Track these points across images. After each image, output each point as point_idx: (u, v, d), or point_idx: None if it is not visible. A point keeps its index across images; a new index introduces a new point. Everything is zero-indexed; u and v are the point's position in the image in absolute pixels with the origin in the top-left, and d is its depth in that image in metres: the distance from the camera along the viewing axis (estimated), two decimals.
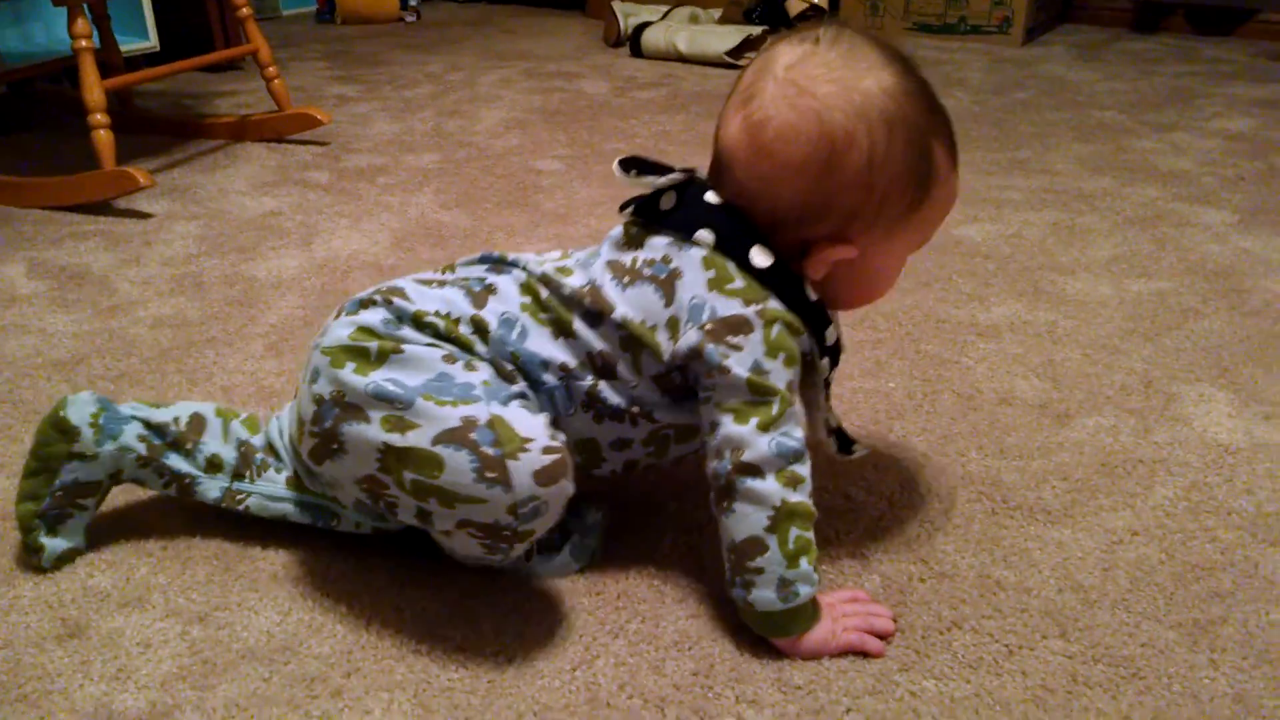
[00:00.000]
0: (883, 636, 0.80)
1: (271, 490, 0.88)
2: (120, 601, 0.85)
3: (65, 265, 1.53)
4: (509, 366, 0.80)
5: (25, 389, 1.18)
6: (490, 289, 0.83)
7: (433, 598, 0.85)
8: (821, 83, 0.76)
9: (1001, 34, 3.05)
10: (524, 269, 0.84)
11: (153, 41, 2.36)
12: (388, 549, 0.90)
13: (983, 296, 1.40)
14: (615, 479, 0.90)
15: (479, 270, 0.86)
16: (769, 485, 0.76)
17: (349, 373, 0.77)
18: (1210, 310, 1.35)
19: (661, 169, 0.83)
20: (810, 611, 0.79)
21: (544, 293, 0.82)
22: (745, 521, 0.77)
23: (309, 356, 0.82)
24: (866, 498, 0.98)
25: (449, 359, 0.78)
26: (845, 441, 0.90)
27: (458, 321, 0.80)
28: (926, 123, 0.78)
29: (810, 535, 0.78)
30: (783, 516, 0.76)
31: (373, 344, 0.78)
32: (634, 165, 0.83)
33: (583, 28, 3.38)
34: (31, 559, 0.88)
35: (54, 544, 0.88)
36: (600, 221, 1.65)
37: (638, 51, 2.95)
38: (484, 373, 0.78)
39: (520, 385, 0.80)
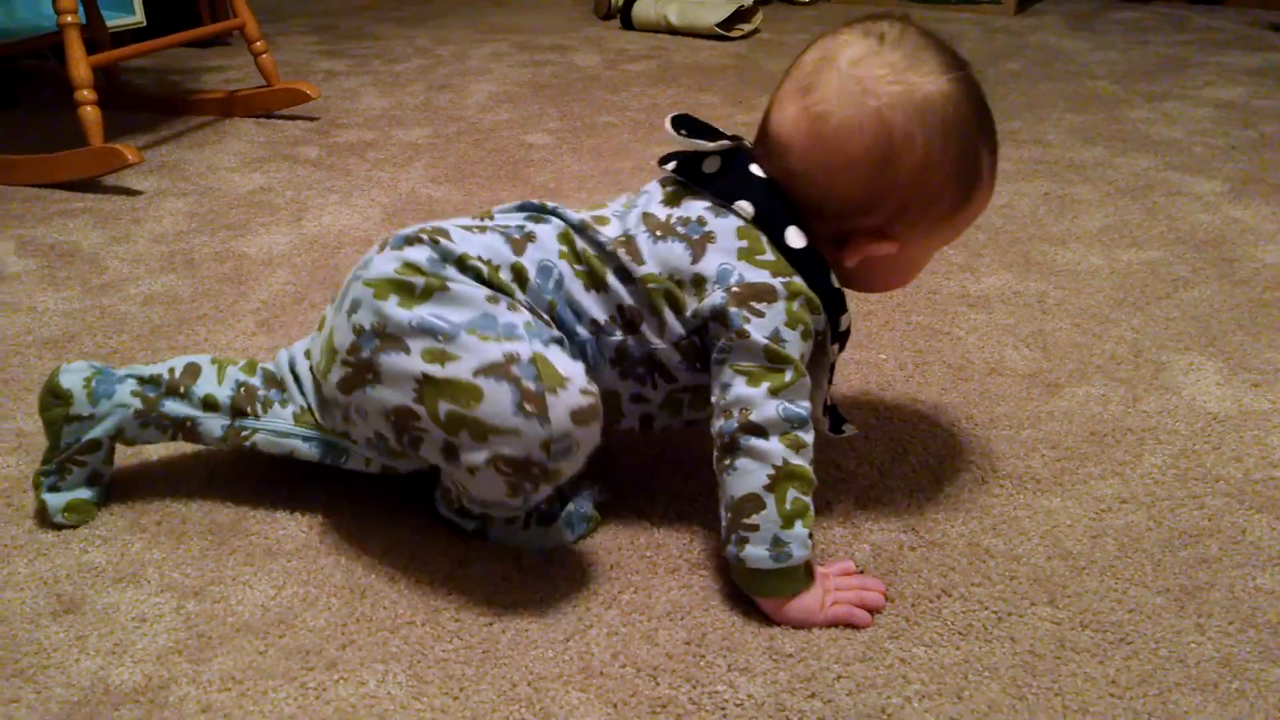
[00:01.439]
0: (873, 611, 0.80)
1: (278, 425, 0.89)
2: (115, 577, 0.85)
3: (54, 243, 1.52)
4: (545, 316, 0.81)
5: (16, 367, 1.18)
6: (530, 236, 0.84)
7: (426, 570, 0.85)
8: (885, 82, 0.78)
9: (994, 3, 3.04)
10: (562, 218, 0.86)
11: (139, 17, 2.34)
12: (380, 521, 0.90)
13: (973, 267, 1.40)
14: (632, 434, 0.91)
15: (518, 218, 0.87)
16: (772, 444, 0.78)
17: (393, 305, 0.77)
18: (1200, 279, 1.36)
19: (711, 132, 0.84)
20: (801, 576, 0.79)
21: (580, 243, 0.84)
22: (746, 478, 0.78)
23: (346, 286, 0.82)
24: (857, 467, 0.98)
25: (493, 300, 0.78)
26: (837, 420, 0.91)
27: (499, 268, 0.81)
28: (977, 130, 0.81)
29: (808, 500, 0.79)
30: (783, 476, 0.78)
31: (419, 280, 0.78)
32: (684, 125, 0.84)
33: (573, 0, 3.36)
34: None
35: (54, 499, 0.90)
36: (591, 195, 1.65)
37: (628, 24, 2.94)
38: (526, 314, 0.79)
39: (559, 333, 0.81)
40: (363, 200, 1.67)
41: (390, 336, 0.77)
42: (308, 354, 0.90)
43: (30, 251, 1.49)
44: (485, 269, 0.80)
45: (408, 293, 0.78)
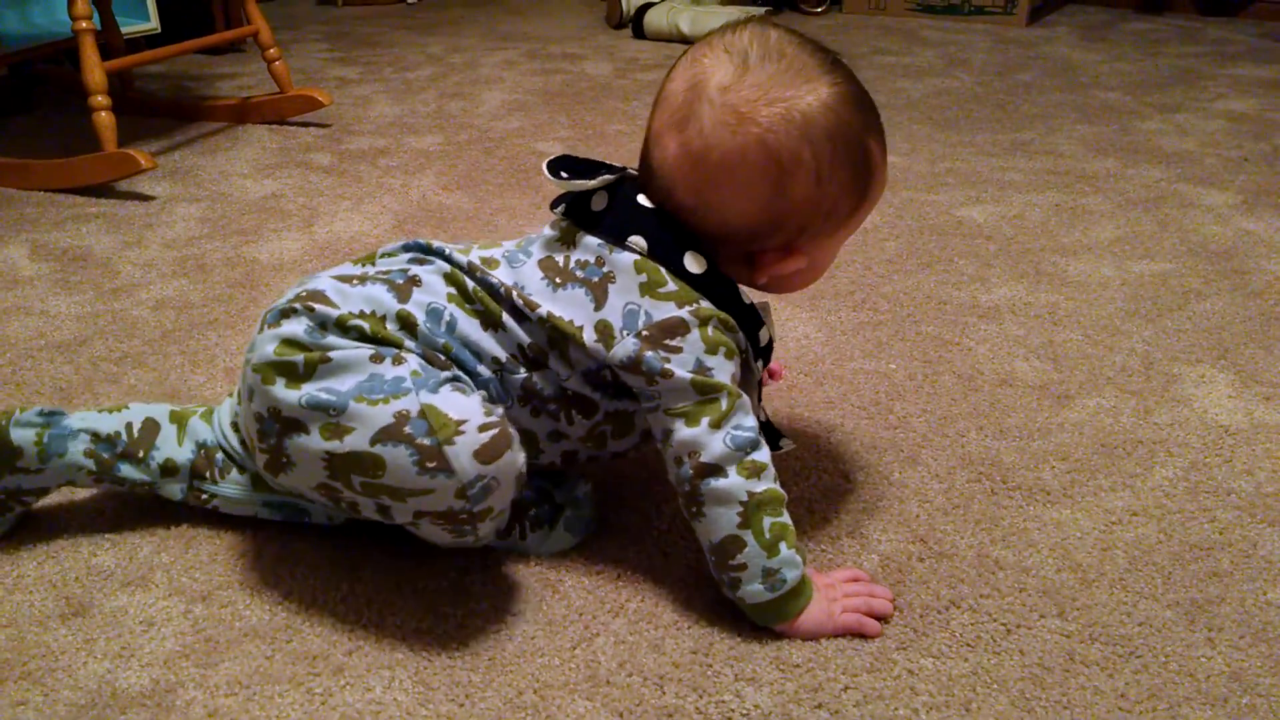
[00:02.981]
0: (882, 618, 0.80)
1: (236, 493, 0.88)
2: (123, 580, 0.85)
3: (67, 247, 1.53)
4: (442, 358, 0.79)
5: (27, 370, 1.18)
6: (414, 280, 0.81)
7: (433, 576, 0.85)
8: (760, 106, 0.75)
9: (1006, 15, 3.04)
10: (448, 259, 0.83)
11: (154, 23, 2.35)
12: (385, 530, 0.90)
13: (984, 278, 1.40)
14: (555, 469, 0.90)
15: (401, 261, 0.84)
16: (732, 481, 0.76)
17: (280, 389, 0.75)
18: (1212, 291, 1.35)
19: (594, 168, 0.82)
20: (802, 592, 0.79)
21: (469, 284, 0.81)
22: (718, 523, 0.77)
23: (242, 372, 0.80)
24: (865, 478, 0.98)
25: (376, 358, 0.76)
26: (773, 436, 0.88)
27: (384, 319, 0.79)
28: (861, 125, 0.79)
29: (784, 519, 0.78)
30: (752, 509, 0.77)
31: (299, 357, 0.76)
32: (563, 166, 0.82)
33: (585, 9, 3.37)
34: None
35: None
36: None
37: (640, 33, 2.94)
38: (413, 363, 0.76)
39: (454, 372, 0.78)
40: (374, 207, 1.68)
41: (287, 420, 0.75)
42: (235, 426, 0.89)
43: (44, 256, 1.50)
44: (368, 324, 0.78)
45: (291, 373, 0.76)
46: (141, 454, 0.88)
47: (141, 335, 1.26)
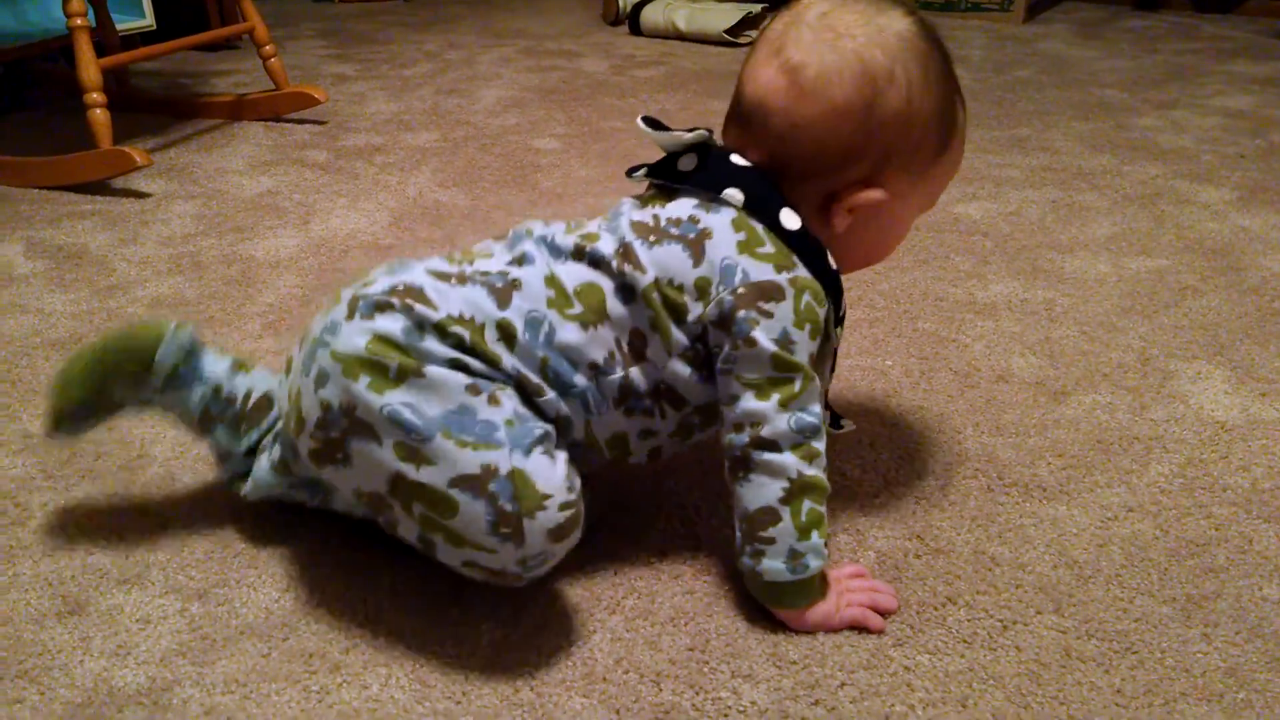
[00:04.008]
0: (886, 613, 0.80)
1: (262, 472, 0.87)
2: (120, 578, 0.85)
3: (63, 245, 1.52)
4: (535, 379, 0.76)
5: (23, 368, 1.18)
6: (514, 284, 0.78)
7: (431, 574, 0.85)
8: (857, 26, 0.78)
9: (1003, 11, 3.04)
10: (551, 246, 0.81)
11: (149, 20, 2.35)
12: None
13: (981, 274, 1.40)
14: (639, 467, 0.90)
15: (501, 261, 0.81)
16: (786, 458, 0.76)
17: (364, 388, 0.72)
18: (1208, 288, 1.35)
19: (681, 131, 0.82)
20: (817, 585, 0.79)
21: (570, 278, 0.78)
22: (760, 492, 0.77)
23: (312, 351, 0.77)
24: (863, 475, 0.98)
25: (473, 389, 0.73)
26: (834, 417, 0.90)
27: (483, 328, 0.76)
28: (948, 72, 0.82)
29: (823, 510, 0.78)
30: (798, 489, 0.77)
31: (393, 361, 0.73)
32: (652, 125, 0.83)
33: (582, 5, 3.36)
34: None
35: (63, 433, 0.88)
36: (598, 200, 1.65)
37: (637, 29, 2.94)
38: (508, 407, 0.74)
39: (545, 426, 0.75)
40: (370, 204, 1.67)
41: (360, 421, 0.73)
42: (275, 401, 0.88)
43: (39, 253, 1.49)
44: (468, 333, 0.75)
45: (380, 374, 0.73)
46: (245, 428, 0.88)
47: None
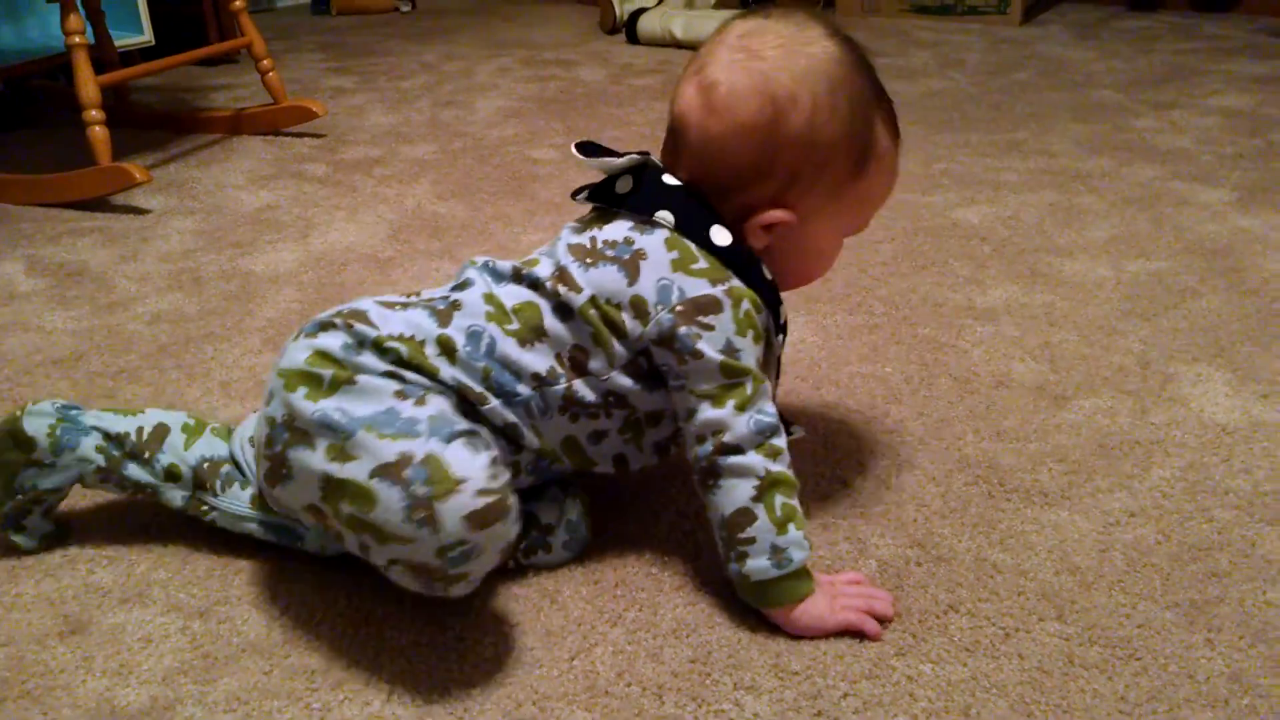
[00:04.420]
0: (882, 620, 0.80)
1: (235, 508, 0.87)
2: (121, 597, 0.85)
3: (63, 262, 1.53)
4: (478, 388, 0.79)
5: (25, 387, 1.18)
6: (455, 305, 0.82)
7: None
8: (770, 48, 0.80)
9: (999, 14, 3.04)
10: (491, 271, 0.84)
11: (147, 36, 2.36)
12: None
13: (979, 279, 1.40)
14: (613, 478, 0.91)
15: (444, 289, 0.86)
16: (751, 459, 0.79)
17: (300, 398, 0.75)
18: (1208, 290, 1.35)
19: (615, 154, 0.84)
20: (805, 578, 0.80)
21: (509, 298, 0.82)
22: (732, 495, 0.79)
23: (269, 378, 0.80)
24: (863, 482, 0.98)
25: (400, 394, 0.76)
26: (784, 422, 0.89)
27: (423, 344, 0.79)
28: (869, 96, 0.83)
29: (795, 504, 0.80)
30: (767, 485, 0.79)
31: (327, 372, 0.76)
32: (589, 150, 0.84)
33: (579, 15, 3.37)
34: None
35: (24, 539, 0.90)
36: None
37: (634, 38, 2.94)
38: (433, 407, 0.76)
39: (474, 426, 0.76)
40: (369, 217, 1.68)
41: (297, 430, 0.75)
42: (252, 441, 0.88)
43: (39, 271, 1.50)
44: (406, 349, 0.78)
45: (315, 384, 0.76)
46: (147, 455, 0.88)
47: (137, 350, 1.26)
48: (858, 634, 0.79)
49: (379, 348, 0.78)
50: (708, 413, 0.79)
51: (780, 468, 0.79)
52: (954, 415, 1.08)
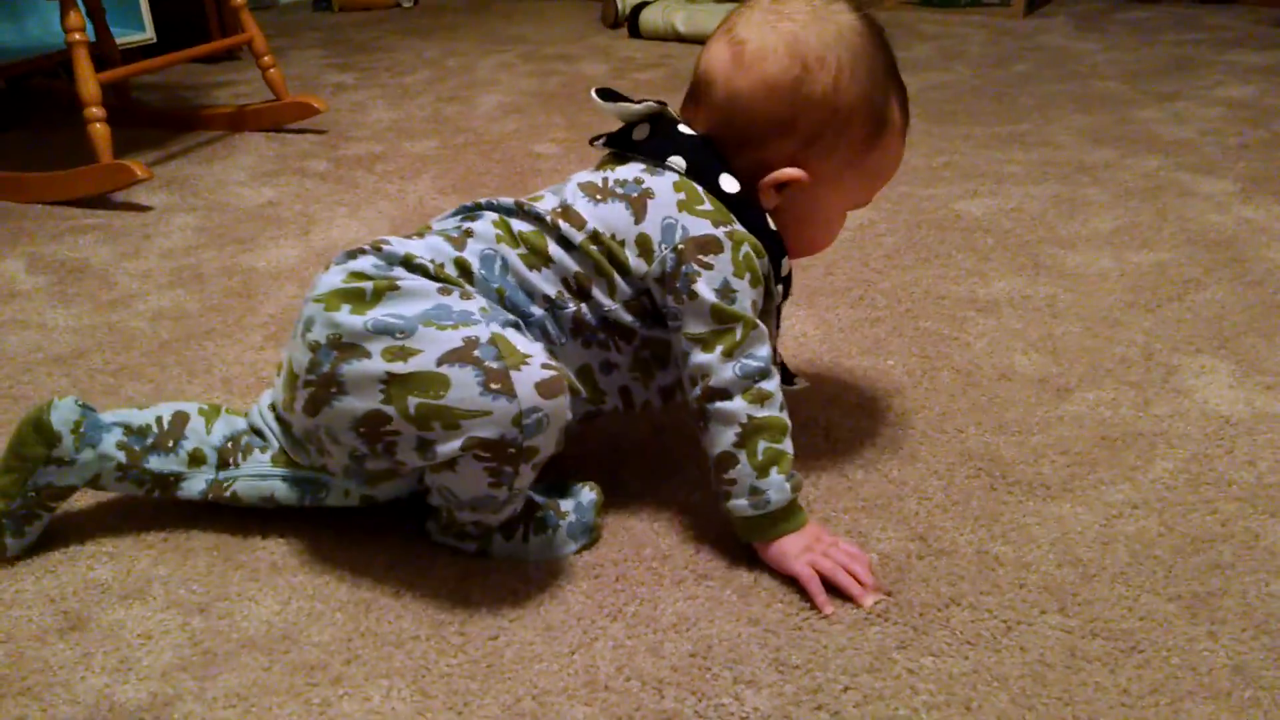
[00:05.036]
0: (846, 589, 0.81)
1: (257, 469, 0.89)
2: (121, 594, 0.85)
3: (65, 259, 1.53)
4: (496, 304, 0.83)
5: (25, 384, 1.18)
6: (468, 232, 0.85)
7: (431, 584, 0.85)
8: (800, 13, 0.84)
9: (1003, 6, 3.03)
10: (495, 207, 0.87)
11: (149, 33, 2.35)
12: (384, 535, 0.90)
13: (982, 272, 1.40)
14: (618, 414, 0.92)
15: (454, 220, 0.88)
16: (735, 405, 0.82)
17: (345, 314, 0.77)
18: (1212, 281, 1.34)
19: (633, 101, 0.88)
20: (786, 518, 0.83)
21: (516, 225, 0.85)
22: (717, 438, 0.83)
23: (300, 311, 0.82)
24: (864, 476, 0.97)
25: (444, 290, 0.79)
26: (786, 374, 0.94)
27: (443, 265, 0.83)
28: (886, 72, 0.87)
29: (781, 446, 0.82)
30: (750, 431, 0.82)
31: (367, 284, 0.79)
32: (609, 96, 0.88)
33: (581, 9, 3.36)
34: None
35: (16, 544, 0.89)
36: None
37: (636, 32, 2.94)
38: (480, 300, 0.80)
39: (512, 316, 0.82)
40: (370, 212, 1.67)
41: (348, 345, 0.77)
42: (273, 406, 0.90)
43: (41, 268, 1.50)
44: (431, 266, 0.82)
45: (358, 299, 0.78)
46: (171, 444, 0.89)
47: (138, 347, 1.26)
48: (856, 629, 0.79)
49: (408, 264, 0.81)
50: (697, 357, 0.82)
51: (767, 413, 0.82)
52: (956, 408, 1.08)
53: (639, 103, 0.87)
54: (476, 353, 0.74)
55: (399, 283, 0.79)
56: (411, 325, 0.76)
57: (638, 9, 2.93)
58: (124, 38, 2.27)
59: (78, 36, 1.72)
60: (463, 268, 0.83)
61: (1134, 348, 1.19)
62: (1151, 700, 0.72)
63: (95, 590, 0.86)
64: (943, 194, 1.67)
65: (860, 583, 0.82)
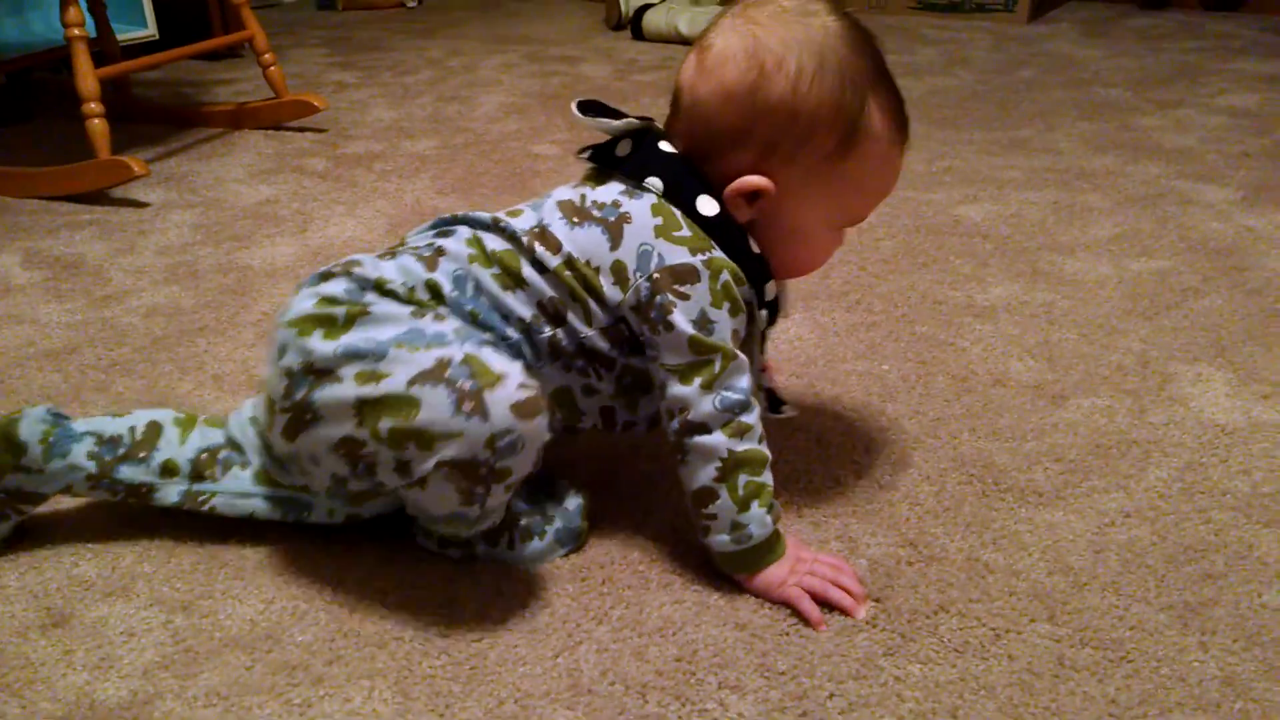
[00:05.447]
0: (835, 602, 0.80)
1: (237, 487, 0.87)
2: (105, 590, 0.85)
3: (60, 255, 1.52)
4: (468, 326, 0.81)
5: (17, 379, 1.18)
6: (440, 251, 0.83)
7: (415, 585, 0.85)
8: (767, 16, 0.80)
9: (1007, 11, 3.02)
10: (470, 222, 0.85)
11: (151, 30, 2.35)
12: (371, 536, 0.90)
13: (980, 277, 1.39)
14: (599, 433, 0.90)
15: (427, 237, 0.86)
16: (715, 439, 0.79)
17: (317, 340, 0.76)
18: (1210, 289, 1.34)
19: (619, 115, 0.85)
20: (769, 550, 0.82)
21: (490, 244, 0.83)
22: (697, 474, 0.81)
23: (272, 335, 0.81)
24: (855, 481, 0.97)
25: (417, 314, 0.78)
26: (775, 401, 0.93)
27: (414, 288, 0.81)
28: (865, 77, 0.80)
29: (761, 479, 0.81)
30: (730, 467, 0.80)
31: (339, 310, 0.78)
32: (593, 109, 0.85)
33: (585, 10, 3.36)
34: None
35: None
36: None
37: (639, 34, 2.93)
38: (454, 322, 0.78)
39: (488, 335, 0.80)
40: (368, 211, 1.67)
41: (320, 371, 0.76)
42: (254, 420, 0.89)
43: (36, 263, 1.50)
44: (403, 290, 0.80)
45: (330, 324, 0.77)
46: (143, 455, 0.87)
47: (131, 343, 1.26)
48: (844, 635, 0.78)
49: (380, 288, 0.80)
50: (675, 389, 0.80)
51: (747, 446, 0.80)
52: (950, 414, 1.07)
53: (621, 118, 0.84)
54: (449, 373, 0.73)
55: (371, 308, 0.78)
56: (383, 349, 0.75)
57: (641, 11, 2.93)
58: (126, 34, 2.27)
59: (76, 32, 1.72)
60: (433, 290, 0.81)
61: (1130, 355, 1.18)
62: (1140, 711, 0.72)
63: (79, 587, 0.85)
64: (942, 199, 1.67)
65: (850, 594, 0.81)
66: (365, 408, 0.74)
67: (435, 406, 0.72)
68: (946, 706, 0.72)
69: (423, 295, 0.80)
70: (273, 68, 2.09)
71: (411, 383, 0.73)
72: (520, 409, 0.74)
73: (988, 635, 0.78)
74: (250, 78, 2.54)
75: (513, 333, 0.81)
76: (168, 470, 0.87)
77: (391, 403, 0.73)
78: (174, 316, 1.32)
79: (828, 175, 0.82)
